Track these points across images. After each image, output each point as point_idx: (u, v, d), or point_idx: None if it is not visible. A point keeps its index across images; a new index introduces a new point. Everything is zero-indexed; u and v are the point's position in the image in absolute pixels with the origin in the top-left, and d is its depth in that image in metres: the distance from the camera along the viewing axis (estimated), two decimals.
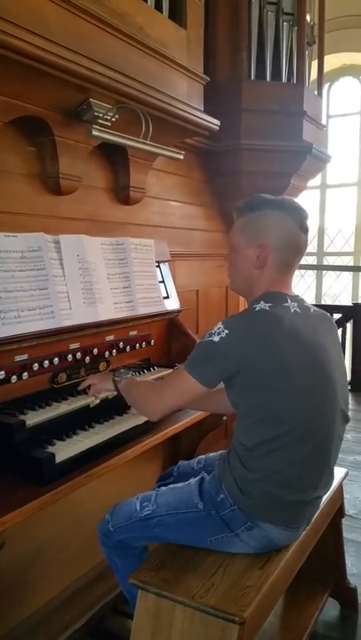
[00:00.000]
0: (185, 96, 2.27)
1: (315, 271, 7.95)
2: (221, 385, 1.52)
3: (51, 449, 1.54)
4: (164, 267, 2.55)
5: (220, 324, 1.45)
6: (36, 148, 1.95)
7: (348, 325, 5.68)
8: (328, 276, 7.97)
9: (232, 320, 1.47)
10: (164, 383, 1.59)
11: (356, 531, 2.82)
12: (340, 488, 2.04)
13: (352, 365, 5.65)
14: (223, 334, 1.42)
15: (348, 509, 2.89)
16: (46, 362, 1.78)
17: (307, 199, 7.15)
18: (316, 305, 1.66)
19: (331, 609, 2.22)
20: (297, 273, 1.65)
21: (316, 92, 3.62)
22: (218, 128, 2.51)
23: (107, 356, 2.08)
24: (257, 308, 1.48)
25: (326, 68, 4.12)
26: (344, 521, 2.21)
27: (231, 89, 3.07)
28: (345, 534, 2.28)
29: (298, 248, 1.57)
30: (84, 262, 1.99)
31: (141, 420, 1.84)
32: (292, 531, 1.56)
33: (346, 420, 1.60)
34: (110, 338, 2.11)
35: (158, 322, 2.42)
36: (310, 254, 7.72)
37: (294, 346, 1.43)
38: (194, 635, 1.38)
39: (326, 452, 1.52)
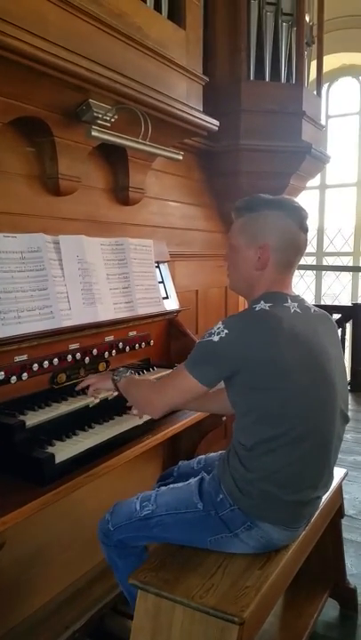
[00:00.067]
0: (184, 96, 2.27)
1: (314, 271, 7.94)
2: (221, 385, 1.52)
3: (50, 449, 1.54)
4: (164, 267, 2.56)
5: (219, 324, 1.45)
6: (35, 148, 1.95)
7: (348, 326, 5.68)
8: (328, 277, 7.97)
9: (232, 320, 1.47)
10: (164, 382, 1.59)
11: (356, 531, 2.82)
12: (339, 488, 2.05)
13: (352, 366, 5.65)
14: (223, 334, 1.42)
15: (348, 510, 2.90)
16: (46, 362, 1.79)
17: (306, 199, 7.16)
18: (315, 305, 1.66)
19: (330, 609, 2.22)
20: (296, 273, 1.65)
21: (315, 93, 3.63)
22: (217, 128, 2.51)
23: (106, 356, 2.08)
24: (257, 308, 1.48)
25: (326, 69, 4.12)
26: (344, 521, 2.21)
27: (230, 89, 3.07)
28: (344, 534, 2.29)
29: (298, 248, 1.57)
30: (83, 263, 1.99)
31: (141, 420, 1.84)
32: (292, 531, 1.56)
33: (346, 420, 1.60)
34: (110, 338, 2.11)
35: (158, 322, 2.42)
36: (310, 254, 7.72)
37: (294, 346, 1.43)
38: (194, 635, 1.38)
39: (326, 452, 1.52)
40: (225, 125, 2.69)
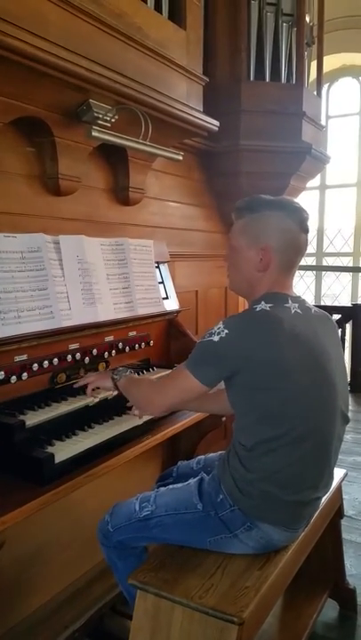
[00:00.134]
0: (184, 97, 2.27)
1: (314, 272, 7.94)
2: (221, 385, 1.52)
3: (50, 449, 1.54)
4: (164, 267, 2.56)
5: (220, 324, 1.45)
6: (35, 148, 1.95)
7: (348, 326, 5.68)
8: (327, 277, 7.97)
9: (232, 320, 1.47)
10: (164, 382, 1.59)
11: (356, 531, 2.82)
12: (339, 489, 2.05)
13: (352, 366, 5.65)
14: (223, 334, 1.42)
15: (348, 510, 2.90)
16: (46, 362, 1.79)
17: (306, 200, 7.15)
18: (315, 306, 1.66)
19: (330, 610, 2.22)
20: (296, 273, 1.65)
21: (315, 93, 3.63)
22: (217, 129, 2.51)
23: (106, 356, 2.08)
24: (258, 309, 1.48)
25: (326, 69, 4.12)
26: (343, 522, 2.21)
27: (230, 90, 3.08)
28: (344, 535, 2.29)
29: (299, 248, 1.57)
30: (83, 263, 2.00)
31: (141, 420, 1.84)
32: (292, 531, 1.56)
33: (346, 420, 1.60)
34: (110, 338, 2.11)
35: (158, 322, 2.42)
36: (310, 255, 7.71)
37: (294, 346, 1.43)
38: (193, 635, 1.38)
39: (326, 453, 1.52)
40: (225, 126, 2.69)
